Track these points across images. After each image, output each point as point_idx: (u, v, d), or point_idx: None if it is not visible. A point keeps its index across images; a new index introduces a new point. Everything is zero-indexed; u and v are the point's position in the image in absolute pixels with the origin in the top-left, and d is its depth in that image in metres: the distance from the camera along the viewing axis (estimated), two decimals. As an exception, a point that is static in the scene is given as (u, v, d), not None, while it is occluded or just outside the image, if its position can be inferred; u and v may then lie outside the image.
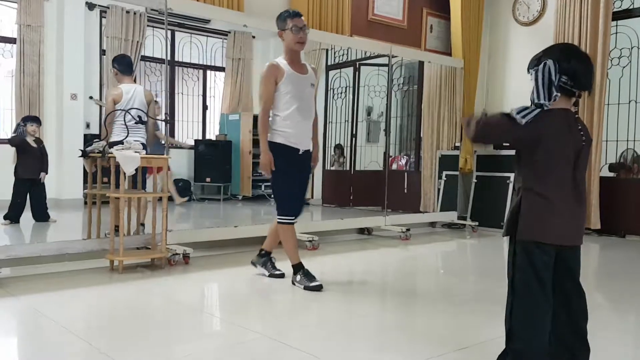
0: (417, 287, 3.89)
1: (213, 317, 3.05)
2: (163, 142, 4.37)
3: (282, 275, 3.66)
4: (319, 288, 3.38)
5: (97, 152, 3.96)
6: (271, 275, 3.69)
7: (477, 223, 6.51)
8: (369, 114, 8.29)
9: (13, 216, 4.93)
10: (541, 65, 1.81)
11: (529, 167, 1.87)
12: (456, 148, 6.90)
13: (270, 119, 3.49)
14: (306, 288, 3.39)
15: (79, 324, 2.77)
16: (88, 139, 5.24)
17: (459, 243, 5.92)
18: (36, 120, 5.11)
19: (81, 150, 4.13)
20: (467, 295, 3.50)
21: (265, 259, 3.75)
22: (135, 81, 4.70)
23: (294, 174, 3.49)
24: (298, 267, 3.51)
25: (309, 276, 3.46)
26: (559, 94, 1.81)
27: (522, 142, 1.87)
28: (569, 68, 1.81)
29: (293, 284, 3.50)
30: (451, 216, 6.66)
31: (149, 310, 3.02)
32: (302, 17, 3.49)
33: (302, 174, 3.58)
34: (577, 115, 1.91)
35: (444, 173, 6.87)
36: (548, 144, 1.82)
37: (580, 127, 1.88)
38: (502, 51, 7.33)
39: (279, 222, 3.52)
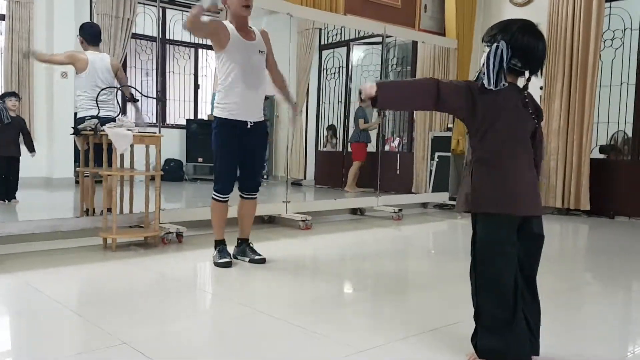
0: (407, 266, 3.93)
1: (207, 293, 3.07)
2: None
3: (263, 260, 3.51)
4: (225, 265, 3.37)
5: (89, 130, 3.93)
6: (251, 261, 3.53)
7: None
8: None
9: (3, 194, 4.91)
10: (494, 47, 1.80)
11: (484, 137, 1.85)
12: (449, 129, 6.92)
13: (219, 87, 3.38)
14: (215, 264, 3.42)
15: (72, 299, 2.79)
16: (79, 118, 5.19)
17: (450, 223, 5.97)
18: (14, 95, 5.04)
19: (73, 127, 4.11)
20: (455, 273, 3.54)
21: (243, 247, 3.60)
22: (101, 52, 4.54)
23: (234, 151, 3.36)
24: (218, 243, 3.49)
25: (222, 253, 3.45)
26: (506, 83, 1.80)
27: (479, 109, 1.84)
28: (522, 48, 1.80)
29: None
30: (443, 197, 6.70)
31: (142, 287, 3.03)
32: None
33: (253, 148, 3.43)
34: (527, 93, 1.91)
35: (436, 154, 6.89)
36: (506, 116, 1.84)
37: (531, 108, 1.89)
38: (496, 32, 7.29)
39: (212, 198, 3.46)
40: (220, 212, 3.49)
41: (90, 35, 4.48)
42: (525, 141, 1.90)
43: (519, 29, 1.83)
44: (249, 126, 3.34)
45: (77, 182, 4.70)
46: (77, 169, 4.20)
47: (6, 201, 5.01)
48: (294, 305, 2.72)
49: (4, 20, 6.49)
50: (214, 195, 3.46)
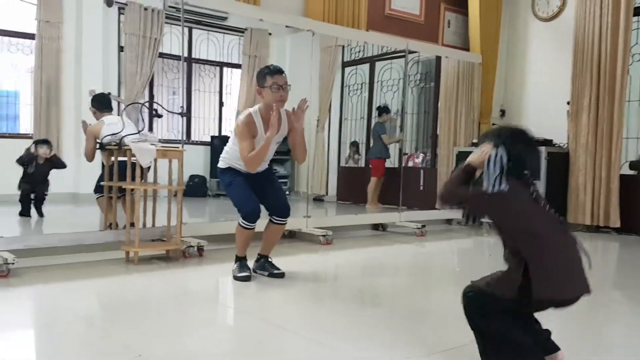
0: (429, 284, 3.85)
1: (226, 307, 3.06)
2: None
3: (282, 275, 3.50)
4: (243, 279, 3.38)
5: (114, 145, 3.98)
6: (270, 275, 3.52)
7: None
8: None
9: (26, 211, 4.95)
10: (494, 153, 1.84)
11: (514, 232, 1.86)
12: (474, 144, 6.83)
13: (228, 149, 3.50)
14: (234, 278, 3.42)
15: (93, 312, 2.80)
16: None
17: (476, 240, 5.86)
18: (46, 142, 5.08)
19: (99, 142, 4.17)
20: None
21: (262, 262, 3.61)
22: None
23: (245, 180, 3.41)
24: (239, 259, 3.50)
25: (241, 267, 3.46)
26: (508, 185, 1.83)
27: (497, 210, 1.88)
28: (517, 155, 1.85)
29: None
30: (467, 213, 6.58)
31: (162, 300, 3.03)
32: (284, 74, 3.32)
33: (264, 179, 3.50)
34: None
35: (461, 169, 6.79)
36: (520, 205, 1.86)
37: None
38: (521, 46, 7.24)
39: (239, 224, 3.46)
40: (245, 236, 3.48)
41: (100, 103, 4.71)
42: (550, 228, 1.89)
43: (513, 135, 1.91)
44: (252, 173, 3.44)
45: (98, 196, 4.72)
46: (101, 183, 4.24)
47: (29, 217, 4.99)
48: (312, 320, 2.68)
49: (33, 39, 6.66)
50: (241, 222, 3.44)
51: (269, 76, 3.27)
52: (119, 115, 4.71)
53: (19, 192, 4.95)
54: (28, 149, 4.93)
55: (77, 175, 6.63)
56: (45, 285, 3.20)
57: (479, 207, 1.96)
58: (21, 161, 4.90)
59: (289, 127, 3.43)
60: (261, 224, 3.55)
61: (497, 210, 1.88)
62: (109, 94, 5.95)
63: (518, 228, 1.84)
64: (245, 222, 3.41)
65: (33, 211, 5.00)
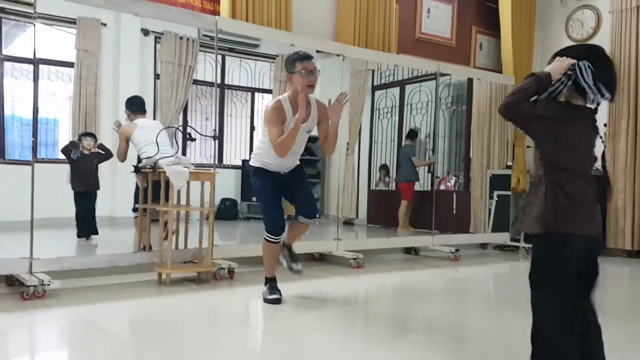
0: (464, 310, 3.75)
1: (256, 329, 3.03)
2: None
3: (300, 272, 3.57)
4: (275, 301, 3.35)
5: (149, 168, 4.05)
6: (289, 267, 3.59)
7: (530, 245, 6.27)
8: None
9: (83, 231, 4.99)
10: (582, 65, 1.83)
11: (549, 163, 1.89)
12: (508, 167, 6.72)
13: (259, 144, 3.50)
14: (265, 300, 3.40)
15: (125, 333, 2.81)
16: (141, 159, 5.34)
17: (512, 265, 5.72)
18: (90, 135, 5.24)
19: (134, 166, 4.25)
20: (516, 319, 3.35)
21: (285, 252, 3.64)
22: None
23: (274, 189, 3.41)
24: (268, 280, 3.49)
25: (271, 289, 3.43)
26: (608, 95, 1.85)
27: (555, 119, 1.87)
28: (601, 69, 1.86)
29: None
30: (503, 237, 6.45)
31: (194, 322, 3.03)
32: (313, 60, 3.33)
33: (294, 180, 3.48)
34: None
35: (495, 193, 6.68)
36: (575, 132, 1.88)
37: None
38: (555, 69, 7.13)
39: (264, 239, 3.45)
40: (272, 252, 3.50)
41: (134, 105, 4.85)
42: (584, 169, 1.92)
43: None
44: (282, 174, 3.45)
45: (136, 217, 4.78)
46: (137, 205, 4.31)
47: (85, 238, 5.03)
48: (344, 344, 2.64)
49: (73, 67, 6.88)
50: (267, 236, 3.44)
51: (298, 62, 3.25)
52: (154, 119, 4.81)
53: (73, 209, 4.99)
54: (72, 141, 5.04)
55: (112, 199, 6.76)
56: (79, 306, 3.24)
57: (537, 127, 1.89)
58: (65, 148, 5.03)
59: (320, 118, 3.41)
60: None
61: (548, 134, 1.87)
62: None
63: (556, 161, 1.87)
64: (271, 236, 3.41)
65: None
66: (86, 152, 5.04)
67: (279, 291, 3.45)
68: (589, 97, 1.84)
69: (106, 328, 2.78)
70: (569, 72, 1.83)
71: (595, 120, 1.93)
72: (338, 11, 5.71)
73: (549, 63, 1.93)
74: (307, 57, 3.29)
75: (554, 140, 1.88)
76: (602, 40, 6.27)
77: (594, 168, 1.94)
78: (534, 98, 1.87)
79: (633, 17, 6.02)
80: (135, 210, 4.57)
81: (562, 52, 1.92)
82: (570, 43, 6.84)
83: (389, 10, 5.87)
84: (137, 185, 4.57)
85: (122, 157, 4.76)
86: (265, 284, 3.50)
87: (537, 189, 1.91)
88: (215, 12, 4.97)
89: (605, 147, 2.00)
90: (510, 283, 5.04)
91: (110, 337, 2.63)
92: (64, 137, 7.29)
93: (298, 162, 3.53)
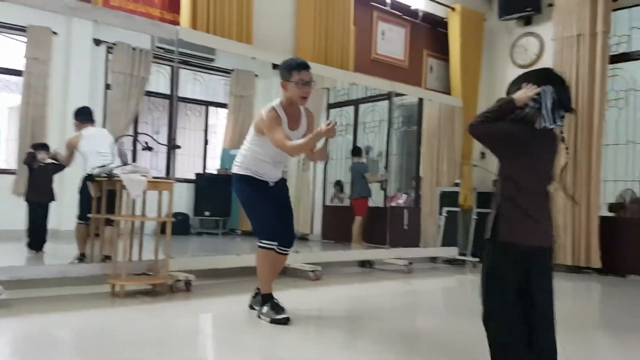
0: (417, 323, 3.84)
1: (216, 344, 2.99)
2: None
3: (286, 321, 3.19)
4: (285, 321, 3.11)
5: (104, 176, 3.97)
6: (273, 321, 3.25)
7: (477, 259, 6.49)
8: (367, 152, 8.38)
9: (35, 243, 4.88)
10: (545, 90, 2.00)
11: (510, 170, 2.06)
12: (456, 185, 6.96)
13: (244, 152, 3.31)
14: (272, 321, 3.13)
15: (78, 346, 2.73)
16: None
17: (460, 279, 5.89)
18: (44, 146, 5.11)
19: (88, 174, 4.15)
20: (468, 331, 3.46)
21: (259, 297, 3.37)
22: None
23: (265, 196, 3.26)
24: (268, 298, 3.24)
25: (276, 308, 3.18)
26: (561, 123, 2.04)
27: (516, 137, 2.04)
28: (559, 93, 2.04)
29: (258, 317, 3.24)
30: (452, 252, 6.65)
31: (146, 335, 2.94)
32: (310, 70, 3.19)
33: (279, 198, 3.35)
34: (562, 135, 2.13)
35: (444, 209, 6.89)
36: (534, 154, 2.05)
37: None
38: (500, 91, 7.44)
39: (259, 246, 3.24)
40: (270, 261, 3.24)
41: (82, 114, 4.89)
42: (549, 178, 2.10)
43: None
44: (270, 185, 3.34)
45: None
46: (89, 215, 4.21)
47: (36, 251, 4.92)
48: (303, 354, 2.65)
49: (21, 76, 6.67)
50: (262, 243, 3.23)
51: (295, 71, 3.12)
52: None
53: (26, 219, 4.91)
54: (27, 153, 4.94)
55: (58, 213, 6.53)
56: (29, 316, 3.13)
57: (500, 142, 2.08)
58: (26, 162, 4.95)
59: (308, 125, 3.33)
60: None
61: (509, 154, 2.06)
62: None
63: (513, 178, 2.04)
64: (267, 242, 3.20)
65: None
66: (41, 164, 4.92)
67: (284, 309, 3.19)
68: (540, 122, 2.01)
69: (57, 339, 2.70)
70: (536, 97, 2.01)
71: (556, 139, 2.10)
72: (297, 29, 5.81)
73: (509, 88, 2.12)
74: (304, 67, 3.15)
75: (514, 159, 2.05)
76: (545, 65, 6.61)
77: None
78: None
79: (574, 45, 6.41)
80: (82, 218, 4.51)
81: (525, 77, 2.10)
82: (515, 68, 7.21)
83: (346, 30, 6.03)
84: (82, 195, 4.53)
85: (67, 163, 4.83)
86: (265, 303, 3.22)
87: (495, 202, 2.08)
88: (175, 23, 4.96)
89: (566, 164, 2.18)
90: (459, 294, 5.21)
91: (61, 349, 2.56)
92: (9, 147, 7.02)
93: (283, 174, 3.42)
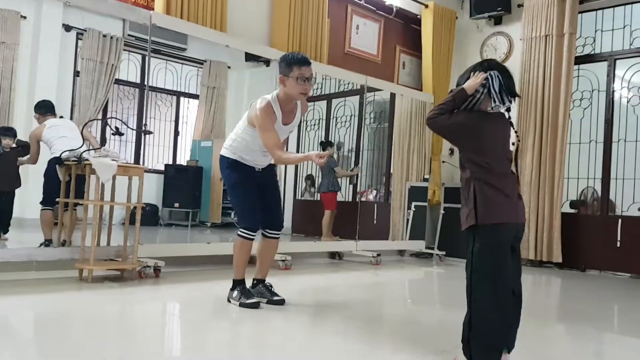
0: (382, 312, 3.90)
1: (172, 327, 2.99)
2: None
3: (282, 302, 3.32)
4: (255, 305, 3.17)
5: (73, 160, 3.92)
6: (270, 302, 3.31)
7: (444, 253, 6.61)
8: (339, 148, 8.43)
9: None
10: (492, 74, 2.14)
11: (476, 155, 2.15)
12: (425, 180, 7.06)
13: (235, 137, 3.29)
14: (242, 305, 3.17)
15: (39, 325, 2.70)
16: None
17: (426, 271, 6.00)
18: (10, 132, 4.96)
19: (55, 156, 4.09)
20: (428, 323, 3.55)
21: (259, 287, 3.39)
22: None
23: (251, 186, 3.29)
24: (239, 283, 3.27)
25: (246, 293, 3.23)
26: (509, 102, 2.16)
27: (469, 125, 2.15)
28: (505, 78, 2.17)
29: (228, 300, 3.27)
30: (419, 245, 6.75)
31: (111, 317, 2.94)
32: (311, 66, 3.14)
33: (267, 185, 3.38)
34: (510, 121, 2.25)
35: (413, 204, 6.99)
36: (489, 135, 2.15)
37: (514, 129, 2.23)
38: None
39: (238, 235, 3.27)
40: (246, 250, 3.29)
41: (42, 107, 4.84)
42: (509, 161, 2.18)
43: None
44: (257, 170, 3.34)
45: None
46: (57, 198, 4.14)
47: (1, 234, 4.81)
48: (264, 348, 2.65)
49: (-13, 60, 6.50)
50: (242, 232, 3.25)
51: (295, 67, 3.07)
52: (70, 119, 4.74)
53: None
54: None
55: (22, 200, 6.39)
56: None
57: (455, 133, 2.21)
58: None
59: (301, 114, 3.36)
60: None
61: (468, 140, 2.16)
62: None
63: (479, 161, 2.12)
64: (247, 232, 3.23)
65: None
66: (7, 148, 4.79)
67: (253, 295, 3.25)
68: (491, 103, 2.13)
69: (20, 320, 2.66)
70: (484, 83, 2.12)
71: (510, 122, 2.23)
72: (272, 19, 5.82)
73: (459, 80, 2.25)
74: (305, 62, 3.10)
75: (474, 143, 2.14)
76: (514, 64, 6.80)
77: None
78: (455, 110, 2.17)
79: (541, 45, 6.58)
80: (47, 203, 4.44)
81: (473, 68, 2.23)
82: (485, 67, 7.33)
83: (321, 22, 6.05)
84: (46, 178, 4.48)
85: (34, 160, 4.73)
86: (234, 288, 3.25)
87: (467, 190, 2.15)
88: (149, 8, 4.91)
89: (518, 146, 2.25)
90: (425, 285, 5.32)
91: (24, 328, 2.53)
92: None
93: (272, 161, 3.40)
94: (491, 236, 2.09)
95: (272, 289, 3.39)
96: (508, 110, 2.19)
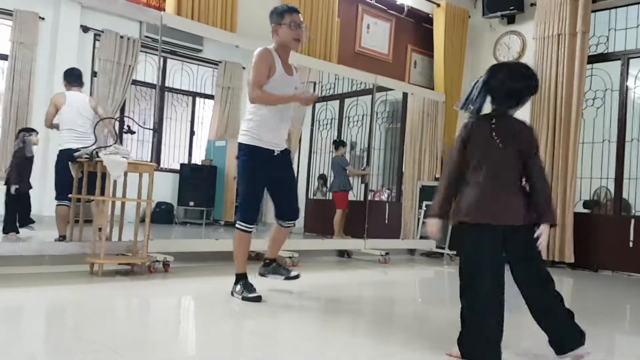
0: (392, 311, 3.91)
1: (182, 325, 3.02)
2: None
3: (297, 276, 3.52)
4: (257, 299, 3.21)
5: (85, 157, 4.02)
6: (287, 278, 3.50)
7: (454, 252, 6.61)
8: (352, 148, 8.46)
9: (17, 226, 4.80)
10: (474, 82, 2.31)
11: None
12: (436, 179, 7.05)
13: (251, 117, 3.25)
14: (244, 299, 3.23)
15: (50, 316, 2.78)
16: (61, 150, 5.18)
17: (437, 271, 6.00)
18: (34, 130, 5.08)
19: (63, 149, 4.19)
20: (431, 313, 3.56)
21: (274, 266, 3.55)
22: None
23: (262, 178, 3.28)
24: (241, 277, 3.31)
25: (248, 287, 3.27)
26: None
27: (461, 151, 2.31)
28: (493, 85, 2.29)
29: (232, 294, 3.32)
30: (429, 244, 6.75)
31: (121, 309, 3.02)
32: (300, 14, 3.26)
33: (284, 175, 3.39)
34: (493, 123, 2.29)
35: (424, 203, 6.99)
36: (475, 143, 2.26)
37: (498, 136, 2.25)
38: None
39: (236, 228, 3.31)
40: (245, 244, 3.33)
41: (70, 76, 4.80)
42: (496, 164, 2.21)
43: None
44: (275, 154, 3.31)
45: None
46: (70, 195, 4.25)
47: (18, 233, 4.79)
48: (267, 342, 2.68)
49: (6, 60, 6.67)
50: (241, 225, 3.28)
51: (287, 14, 3.18)
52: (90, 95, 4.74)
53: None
54: (21, 140, 4.81)
55: (41, 198, 6.55)
56: (3, 290, 3.18)
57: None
58: (19, 148, 4.78)
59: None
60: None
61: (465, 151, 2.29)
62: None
63: (474, 166, 2.23)
64: (245, 224, 3.27)
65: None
66: (36, 144, 4.90)
67: (255, 289, 3.28)
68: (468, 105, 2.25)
69: (32, 311, 2.75)
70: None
71: (491, 125, 2.29)
72: (282, 19, 5.87)
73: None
74: (295, 10, 3.23)
75: (468, 152, 2.27)
76: (527, 63, 6.74)
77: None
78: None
79: (554, 44, 6.54)
80: (61, 198, 4.50)
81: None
82: (498, 66, 7.31)
83: (331, 22, 6.10)
84: (57, 171, 4.55)
85: (48, 123, 4.74)
86: (237, 282, 3.30)
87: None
88: (161, 9, 5.01)
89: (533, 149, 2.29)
90: (434, 284, 5.31)
91: (35, 319, 2.62)
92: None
93: (286, 144, 3.40)
94: (467, 235, 2.19)
95: (285, 266, 3.55)
96: (506, 111, 2.32)
